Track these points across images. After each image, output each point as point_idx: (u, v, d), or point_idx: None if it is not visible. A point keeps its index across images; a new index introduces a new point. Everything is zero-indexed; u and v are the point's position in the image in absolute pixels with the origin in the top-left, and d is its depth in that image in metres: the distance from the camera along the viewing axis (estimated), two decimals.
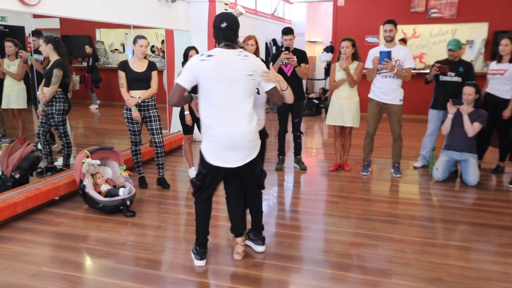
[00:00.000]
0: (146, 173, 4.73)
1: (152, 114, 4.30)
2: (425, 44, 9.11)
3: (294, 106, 4.88)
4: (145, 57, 4.28)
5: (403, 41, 8.02)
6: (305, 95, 8.66)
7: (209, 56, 2.54)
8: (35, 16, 4.38)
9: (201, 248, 2.89)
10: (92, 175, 3.96)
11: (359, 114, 4.89)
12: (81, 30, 10.34)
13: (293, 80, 4.67)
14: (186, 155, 4.88)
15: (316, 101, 9.79)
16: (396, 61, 4.63)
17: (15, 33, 5.08)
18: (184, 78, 2.57)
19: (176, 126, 6.22)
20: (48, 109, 4.49)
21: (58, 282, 2.68)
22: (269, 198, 4.35)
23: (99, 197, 3.76)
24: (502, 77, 4.68)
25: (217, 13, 6.42)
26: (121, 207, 3.72)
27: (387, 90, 4.74)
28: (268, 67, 2.76)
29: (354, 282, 2.71)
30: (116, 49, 10.88)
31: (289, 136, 5.21)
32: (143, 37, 4.20)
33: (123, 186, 3.86)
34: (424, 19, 8.90)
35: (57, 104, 4.50)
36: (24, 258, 2.98)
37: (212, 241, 3.16)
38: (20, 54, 4.98)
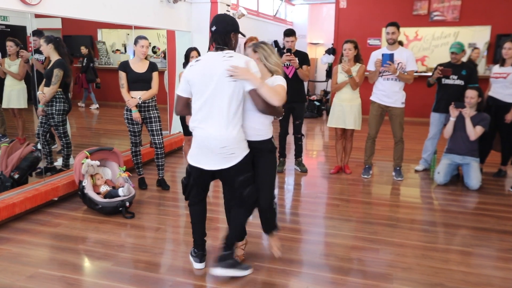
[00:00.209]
0: (146, 174, 4.71)
1: (152, 115, 4.28)
2: (427, 47, 9.08)
3: (295, 108, 4.86)
4: (146, 58, 4.26)
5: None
6: (307, 97, 8.63)
7: (197, 61, 2.60)
8: (37, 16, 4.37)
9: (199, 251, 2.86)
10: (92, 176, 3.94)
11: (361, 117, 4.87)
12: (83, 30, 10.35)
13: (295, 82, 4.65)
14: (186, 156, 4.84)
15: (317, 103, 9.77)
16: (398, 63, 4.60)
17: (17, 33, 5.06)
18: (180, 87, 2.65)
19: (176, 127, 6.19)
20: (48, 109, 4.47)
21: (55, 284, 2.66)
22: None
23: (98, 198, 3.73)
24: (505, 81, 4.65)
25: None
26: (120, 209, 3.70)
27: (389, 93, 4.72)
28: None
29: (354, 287, 2.68)
30: (117, 50, 10.89)
31: (290, 138, 5.18)
32: (144, 38, 4.18)
33: (122, 187, 3.84)
34: (426, 21, 8.88)
35: (57, 104, 4.48)
36: (21, 260, 2.96)
37: (211, 243, 3.13)
38: (21, 54, 4.96)
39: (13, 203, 3.51)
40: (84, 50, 8.73)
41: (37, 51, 4.80)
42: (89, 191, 3.77)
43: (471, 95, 4.51)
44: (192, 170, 2.72)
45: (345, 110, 4.78)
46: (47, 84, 4.41)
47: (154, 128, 4.31)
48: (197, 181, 2.76)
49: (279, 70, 2.71)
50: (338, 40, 9.43)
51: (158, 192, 4.41)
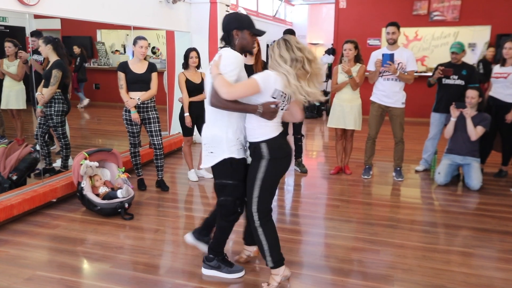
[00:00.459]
0: (145, 175, 4.69)
1: (151, 116, 4.26)
2: (427, 47, 9.07)
3: None
4: (145, 59, 4.24)
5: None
6: None
7: None
8: (36, 16, 4.35)
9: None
10: (90, 177, 3.92)
11: (361, 117, 4.85)
12: (82, 31, 10.34)
13: None
14: (186, 157, 4.83)
15: (317, 104, 9.75)
16: (398, 63, 4.58)
17: (16, 34, 5.04)
18: None
19: (176, 127, 6.17)
20: (47, 110, 4.45)
21: (54, 287, 2.63)
22: None
23: (97, 200, 3.71)
24: (506, 81, 4.63)
25: (218, 15, 6.40)
26: (119, 210, 3.67)
27: (390, 93, 4.70)
28: (266, 68, 2.62)
29: None
30: (117, 50, 10.87)
31: (290, 139, 5.16)
32: (143, 38, 4.16)
33: (121, 188, 3.82)
34: (426, 21, 8.86)
35: (56, 105, 4.46)
36: (19, 262, 2.94)
37: None
38: (20, 55, 4.94)
39: (11, 204, 3.48)
40: (76, 49, 8.73)
41: (36, 51, 4.78)
42: (88, 192, 3.75)
43: (471, 95, 4.49)
44: None
45: (345, 111, 4.76)
46: (46, 85, 4.39)
47: (153, 129, 4.29)
48: None
49: (274, 68, 2.43)
50: (337, 40, 9.41)
51: (157, 193, 4.39)
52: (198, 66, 4.61)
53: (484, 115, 4.53)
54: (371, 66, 4.76)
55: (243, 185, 2.55)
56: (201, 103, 4.66)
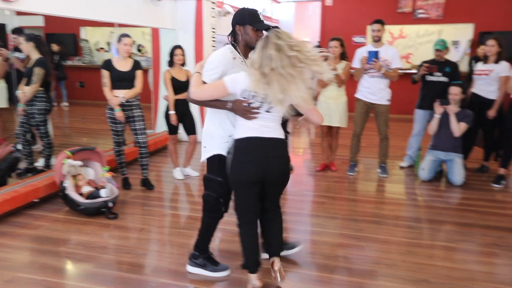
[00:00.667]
0: (130, 174, 4.64)
1: (136, 114, 4.21)
2: (412, 44, 9.15)
3: None
4: (130, 56, 4.20)
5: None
6: None
7: None
8: (19, 13, 4.26)
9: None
10: (74, 176, 3.86)
11: (347, 114, 4.88)
12: (66, 28, 10.20)
13: None
14: (171, 156, 4.80)
15: None
16: (383, 61, 4.62)
17: None
18: None
19: (162, 125, 6.13)
20: (29, 109, 4.37)
21: None
22: None
23: (80, 199, 3.66)
24: (488, 78, 4.70)
25: (203, 12, 6.36)
26: (103, 209, 3.63)
27: (375, 90, 4.73)
28: None
29: (340, 284, 2.68)
30: (101, 48, 10.75)
31: None
32: (128, 36, 4.12)
33: (105, 187, 3.77)
34: (411, 19, 8.93)
35: (39, 103, 4.38)
36: (0, 264, 2.88)
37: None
38: (1, 52, 4.85)
39: None
40: (55, 47, 8.58)
41: (17, 49, 4.69)
42: (71, 192, 3.70)
43: (454, 92, 4.55)
44: None
45: (331, 108, 4.78)
46: (28, 83, 4.32)
47: (137, 127, 4.25)
48: None
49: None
50: (324, 37, 9.43)
51: (142, 192, 4.35)
52: (183, 64, 4.57)
53: (466, 111, 4.60)
54: (356, 63, 4.78)
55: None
56: (187, 101, 4.62)
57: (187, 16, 6.26)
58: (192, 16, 6.25)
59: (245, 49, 2.47)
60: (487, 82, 4.73)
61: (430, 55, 5.09)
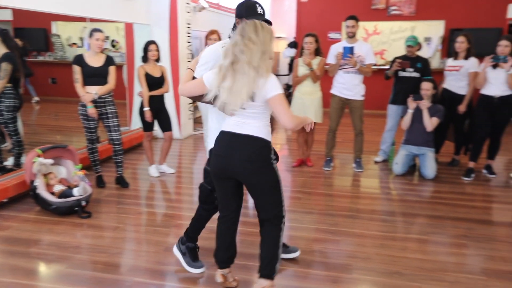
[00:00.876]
0: (105, 172, 4.55)
1: (109, 111, 4.13)
2: (386, 40, 9.29)
3: None
4: (102, 51, 4.11)
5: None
6: None
7: None
8: None
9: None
10: (45, 175, 3.76)
11: (322, 110, 4.92)
12: (36, 23, 9.91)
13: None
14: (147, 153, 4.74)
15: None
16: (358, 57, 4.67)
17: None
18: None
19: (137, 122, 6.03)
20: None
21: None
22: None
23: (52, 198, 3.57)
24: (458, 73, 4.82)
25: (178, 7, 6.28)
26: (76, 208, 3.55)
27: (349, 86, 4.79)
28: None
29: (316, 279, 2.71)
30: (74, 43, 10.49)
31: None
32: (99, 30, 4.02)
33: (78, 186, 3.69)
34: (384, 16, 9.07)
35: (7, 100, 4.25)
36: None
37: (175, 241, 3.06)
38: None
39: None
40: (19, 42, 8.30)
41: None
42: (42, 191, 3.60)
43: (426, 87, 4.65)
44: None
45: (306, 104, 4.81)
46: None
47: (111, 124, 4.17)
48: None
49: None
50: (299, 33, 9.47)
51: (117, 190, 4.27)
52: (157, 60, 4.51)
53: (438, 106, 4.71)
54: (331, 59, 4.82)
55: None
56: (161, 97, 4.57)
57: (162, 11, 6.17)
58: (167, 11, 6.17)
59: None
60: (458, 78, 4.85)
61: (404, 51, 5.18)
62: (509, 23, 8.45)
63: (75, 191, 3.60)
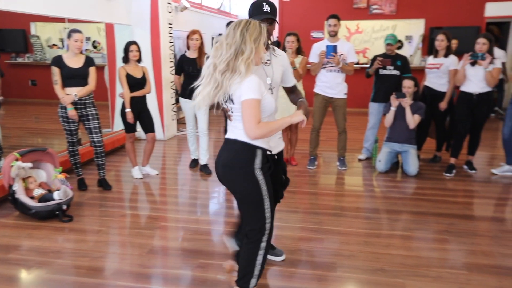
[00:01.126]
0: (87, 174, 4.48)
1: (89, 112, 4.06)
2: (368, 39, 9.38)
3: None
4: (81, 52, 4.04)
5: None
6: None
7: None
8: None
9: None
10: (24, 179, 3.68)
11: None
12: (14, 24, 9.68)
13: None
14: (129, 155, 4.68)
15: None
16: (340, 55, 4.69)
17: None
18: None
19: (119, 124, 5.95)
20: None
21: None
22: (218, 196, 4.28)
23: (31, 203, 3.49)
24: (439, 71, 4.89)
25: (159, 7, 6.22)
26: (56, 212, 3.48)
27: (332, 84, 4.81)
28: None
29: (301, 278, 2.71)
30: (54, 44, 10.29)
31: None
32: (78, 31, 3.95)
33: (59, 190, 3.62)
34: (366, 15, 9.16)
35: None
36: None
37: (159, 243, 3.03)
38: None
39: None
40: None
41: None
42: (21, 195, 3.52)
43: (408, 84, 4.71)
44: None
45: (289, 103, 4.77)
46: None
47: (91, 126, 4.10)
48: None
49: None
50: (282, 33, 9.48)
51: (99, 193, 4.21)
52: (139, 60, 4.45)
53: (419, 104, 4.77)
54: (313, 58, 4.83)
55: None
56: (143, 98, 4.52)
57: (143, 11, 6.11)
58: (148, 11, 6.11)
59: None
60: (438, 75, 4.92)
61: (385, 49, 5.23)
62: (486, 22, 8.63)
63: (56, 194, 3.53)
